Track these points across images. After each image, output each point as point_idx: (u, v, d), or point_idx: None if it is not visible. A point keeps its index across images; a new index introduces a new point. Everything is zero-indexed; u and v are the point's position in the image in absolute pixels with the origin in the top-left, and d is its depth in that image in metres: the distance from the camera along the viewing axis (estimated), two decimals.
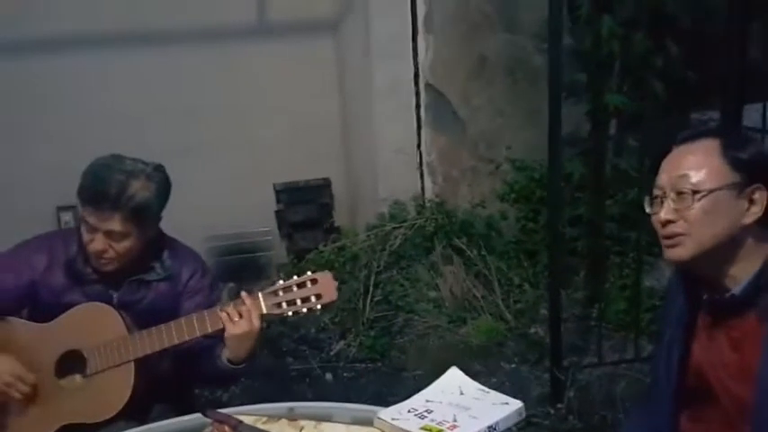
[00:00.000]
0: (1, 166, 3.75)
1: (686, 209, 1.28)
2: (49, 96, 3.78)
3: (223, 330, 1.65)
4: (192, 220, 3.91)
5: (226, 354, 1.70)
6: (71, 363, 1.69)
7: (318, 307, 1.65)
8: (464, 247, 3.69)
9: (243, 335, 1.64)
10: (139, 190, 1.67)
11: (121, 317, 1.69)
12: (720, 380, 1.33)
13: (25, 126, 3.81)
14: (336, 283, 1.67)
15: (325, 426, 1.51)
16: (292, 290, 1.65)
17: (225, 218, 4.11)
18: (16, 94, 3.77)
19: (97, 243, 1.68)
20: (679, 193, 1.29)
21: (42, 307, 1.73)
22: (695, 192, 1.27)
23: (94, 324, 1.69)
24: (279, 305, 1.65)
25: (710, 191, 1.27)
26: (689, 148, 1.32)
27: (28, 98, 3.79)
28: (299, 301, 1.64)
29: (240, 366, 1.71)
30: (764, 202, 1.27)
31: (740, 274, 1.29)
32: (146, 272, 1.78)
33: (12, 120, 3.80)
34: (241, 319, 1.64)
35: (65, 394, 1.69)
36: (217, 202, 4.06)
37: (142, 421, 1.65)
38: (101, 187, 1.65)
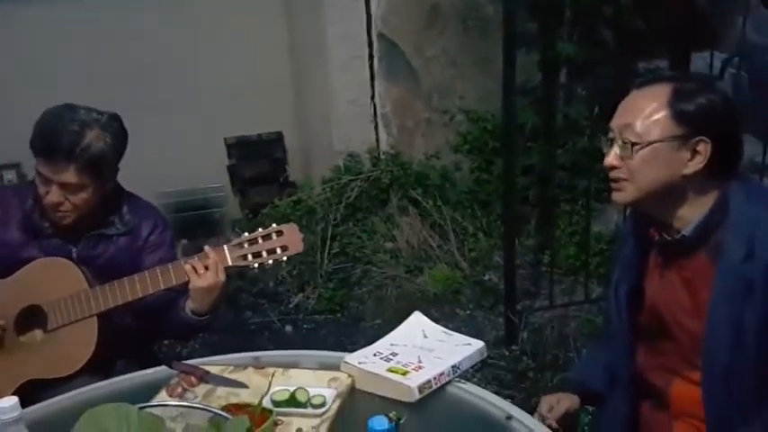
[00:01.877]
0: None
1: (628, 157, 1.32)
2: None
3: (187, 283, 1.65)
4: (144, 175, 3.83)
5: (189, 305, 1.70)
6: (31, 318, 1.67)
7: (284, 259, 1.66)
8: (419, 198, 3.73)
9: (209, 287, 1.65)
10: (94, 140, 1.63)
11: (82, 271, 1.67)
12: (674, 316, 1.40)
13: None
14: (302, 235, 1.67)
15: (293, 371, 1.53)
16: (258, 242, 1.65)
17: (177, 174, 4.04)
18: None
19: (52, 195, 1.64)
20: (624, 142, 1.32)
21: None
22: (634, 143, 1.31)
23: (54, 279, 1.66)
24: (245, 257, 1.65)
25: (649, 143, 1.30)
26: (642, 92, 1.34)
27: None
28: (264, 253, 1.65)
29: (204, 317, 1.72)
30: (707, 154, 1.30)
31: (690, 216, 1.34)
32: (105, 226, 1.75)
33: None
34: (207, 271, 1.63)
35: (26, 350, 1.67)
36: (168, 158, 3.97)
37: (106, 376, 1.64)
38: (54, 138, 1.61)
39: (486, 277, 3.52)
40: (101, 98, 3.60)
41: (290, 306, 3.50)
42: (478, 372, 2.84)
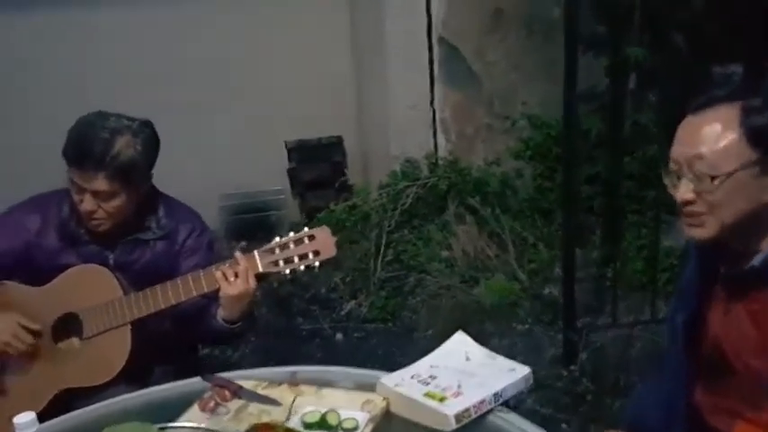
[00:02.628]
0: None
1: (706, 191, 1.19)
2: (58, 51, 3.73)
3: (218, 290, 1.62)
4: (205, 178, 3.93)
5: (221, 313, 1.68)
6: (68, 326, 1.68)
7: (317, 264, 1.61)
8: (477, 206, 3.62)
9: (238, 295, 1.61)
10: (124, 147, 1.62)
11: (117, 278, 1.67)
12: (738, 353, 1.27)
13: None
14: (335, 239, 1.61)
15: (326, 391, 1.48)
16: (289, 247, 1.60)
17: (238, 176, 4.10)
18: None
19: (86, 203, 1.64)
20: (696, 175, 1.19)
21: (37, 269, 1.71)
22: (713, 177, 1.17)
23: (90, 286, 1.66)
24: (276, 263, 1.61)
25: (729, 174, 1.17)
26: (705, 117, 1.20)
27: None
28: (296, 259, 1.60)
29: (236, 325, 1.69)
30: None
31: (760, 246, 1.22)
32: (141, 231, 1.74)
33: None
34: (236, 279, 1.60)
35: (63, 358, 1.67)
36: (229, 161, 4.04)
37: (143, 384, 1.62)
38: (84, 146, 1.61)
39: (546, 291, 3.38)
40: (165, 100, 3.72)
41: (342, 313, 3.46)
42: (533, 392, 2.71)
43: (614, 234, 3.29)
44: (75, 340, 1.68)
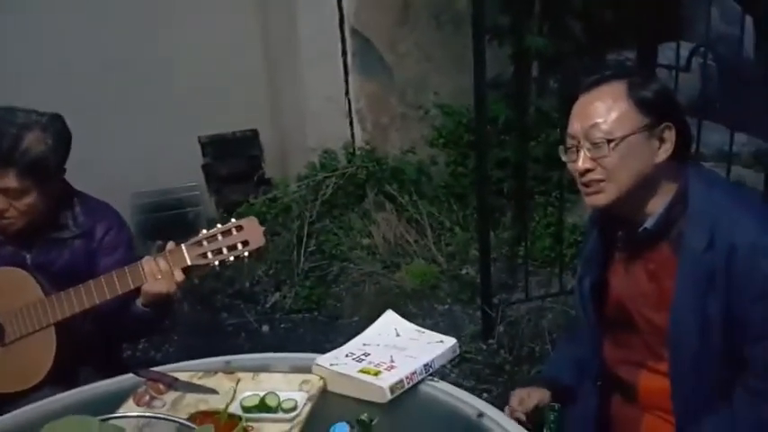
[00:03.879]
0: None
1: (602, 157, 1.31)
2: None
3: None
4: (118, 176, 3.82)
5: (140, 301, 1.64)
6: None
7: (246, 254, 1.59)
8: (395, 193, 3.71)
9: (165, 292, 1.59)
10: (34, 143, 1.57)
11: (36, 279, 1.62)
12: (639, 309, 1.40)
13: None
14: (263, 228, 1.61)
15: (263, 376, 1.51)
16: (217, 239, 1.58)
17: (151, 174, 4.01)
18: None
19: None
20: (594, 143, 1.31)
21: None
22: (609, 140, 1.30)
23: (8, 289, 1.60)
24: (204, 255, 1.58)
25: (623, 137, 1.30)
26: (596, 94, 1.34)
27: None
28: (225, 250, 1.58)
29: (156, 309, 1.66)
30: (674, 140, 1.31)
31: (652, 209, 1.34)
32: (58, 230, 1.69)
33: None
34: (162, 276, 1.57)
35: None
36: (142, 158, 3.94)
37: (70, 386, 1.58)
38: None
39: (464, 271, 3.52)
40: (71, 99, 3.59)
41: (267, 306, 3.48)
42: (456, 367, 2.84)
43: (523, 214, 3.47)
44: None
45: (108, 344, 1.84)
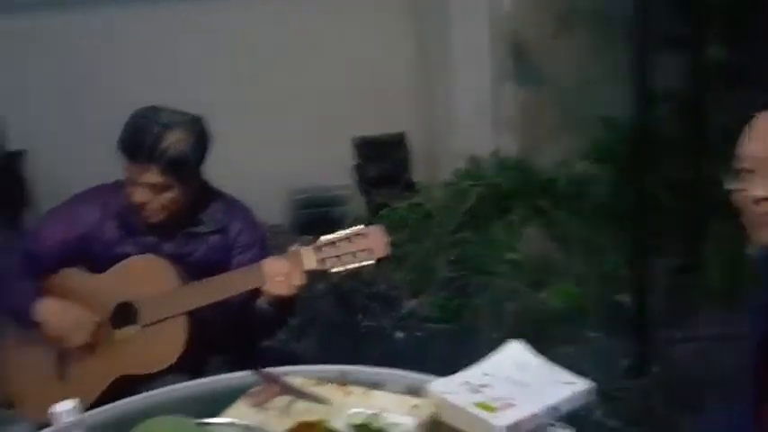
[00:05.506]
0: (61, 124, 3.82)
1: None
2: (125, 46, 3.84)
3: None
4: (273, 173, 3.98)
5: (263, 299, 1.67)
6: (125, 315, 1.70)
7: (368, 263, 1.57)
8: (545, 207, 3.51)
9: (286, 295, 1.61)
10: (174, 142, 1.64)
11: (174, 269, 1.69)
12: None
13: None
14: (388, 238, 1.57)
15: (377, 393, 1.44)
16: (340, 244, 1.57)
17: (305, 172, 4.12)
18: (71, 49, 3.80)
19: (137, 195, 1.67)
20: None
21: (95, 258, 1.74)
22: None
23: (147, 276, 1.69)
24: (326, 260, 1.58)
25: None
26: None
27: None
28: (346, 257, 1.57)
29: (277, 309, 1.67)
30: None
31: None
32: (195, 224, 1.76)
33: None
34: (283, 280, 1.59)
35: (120, 345, 1.70)
36: (296, 156, 4.07)
37: (197, 374, 1.63)
38: (136, 139, 1.64)
39: (618, 298, 3.24)
40: (231, 98, 3.78)
41: (403, 312, 3.43)
42: (601, 404, 2.60)
43: (694, 241, 3.13)
44: (131, 329, 1.70)
45: (238, 337, 1.87)
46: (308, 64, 3.99)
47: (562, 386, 1.35)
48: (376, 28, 3.97)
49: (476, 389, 1.36)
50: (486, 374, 1.41)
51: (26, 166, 3.84)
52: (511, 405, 1.29)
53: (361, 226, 1.60)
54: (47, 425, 1.18)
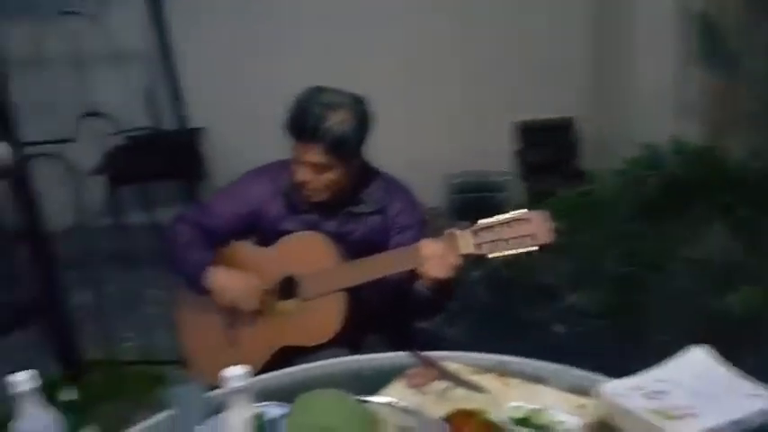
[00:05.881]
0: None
1: None
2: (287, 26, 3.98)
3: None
4: (430, 156, 3.97)
5: (421, 283, 1.66)
6: (287, 287, 1.76)
7: (530, 249, 1.49)
8: (731, 203, 3.18)
9: (439, 278, 1.58)
10: (337, 122, 1.65)
11: (334, 246, 1.71)
12: None
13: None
14: (552, 224, 1.48)
15: (537, 388, 1.37)
16: (500, 229, 1.51)
17: (464, 156, 4.07)
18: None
19: (300, 174, 1.71)
20: None
21: (262, 233, 1.82)
22: None
23: (309, 252, 1.72)
24: (486, 244, 1.53)
25: None
26: None
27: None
28: (508, 242, 1.51)
29: (435, 292, 1.65)
30: None
31: None
32: (355, 204, 1.78)
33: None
34: (439, 263, 1.56)
35: (282, 317, 1.75)
36: (455, 139, 4.03)
37: (355, 349, 1.67)
38: (301, 119, 1.67)
39: None
40: (393, 79, 3.80)
41: (564, 304, 3.28)
42: None
43: None
44: (293, 302, 1.75)
45: (395, 317, 1.87)
46: (472, 44, 3.92)
47: (748, 399, 1.20)
48: (545, 3, 3.81)
49: (651, 395, 1.24)
50: (662, 381, 1.29)
51: (204, 143, 4.13)
52: (692, 416, 1.17)
53: (524, 210, 1.53)
54: (216, 387, 1.24)
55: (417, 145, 3.88)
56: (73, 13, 2.76)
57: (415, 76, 3.97)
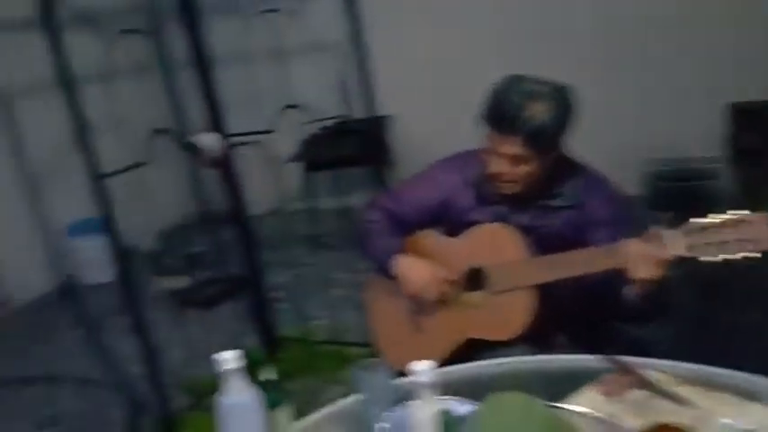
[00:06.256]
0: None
1: None
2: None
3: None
4: (632, 141, 3.73)
5: (628, 289, 1.53)
6: (474, 279, 1.72)
7: (749, 255, 1.33)
8: None
9: (646, 279, 1.45)
10: (537, 113, 1.56)
11: (523, 240, 1.65)
12: None
13: None
14: None
15: (751, 406, 1.22)
16: (714, 231, 1.36)
17: (667, 141, 3.81)
18: None
19: (494, 165, 1.64)
20: None
21: (450, 223, 1.78)
22: None
23: (497, 244, 1.67)
24: (700, 247, 1.38)
25: None
26: None
27: None
28: (724, 245, 1.35)
29: (644, 300, 1.51)
30: None
31: None
32: (550, 198, 1.69)
33: None
34: (643, 263, 1.43)
35: (467, 309, 1.72)
36: (659, 124, 3.76)
37: (545, 348, 1.60)
38: (499, 109, 1.59)
39: None
40: (588, 60, 3.60)
41: None
42: None
43: None
44: (480, 293, 1.71)
45: (590, 318, 1.77)
46: (685, 22, 3.64)
47: None
48: None
49: None
50: None
51: (391, 130, 4.21)
52: None
53: (746, 212, 1.35)
54: (402, 373, 1.24)
55: (619, 129, 3.68)
56: (273, 10, 2.91)
57: (618, 58, 3.76)
